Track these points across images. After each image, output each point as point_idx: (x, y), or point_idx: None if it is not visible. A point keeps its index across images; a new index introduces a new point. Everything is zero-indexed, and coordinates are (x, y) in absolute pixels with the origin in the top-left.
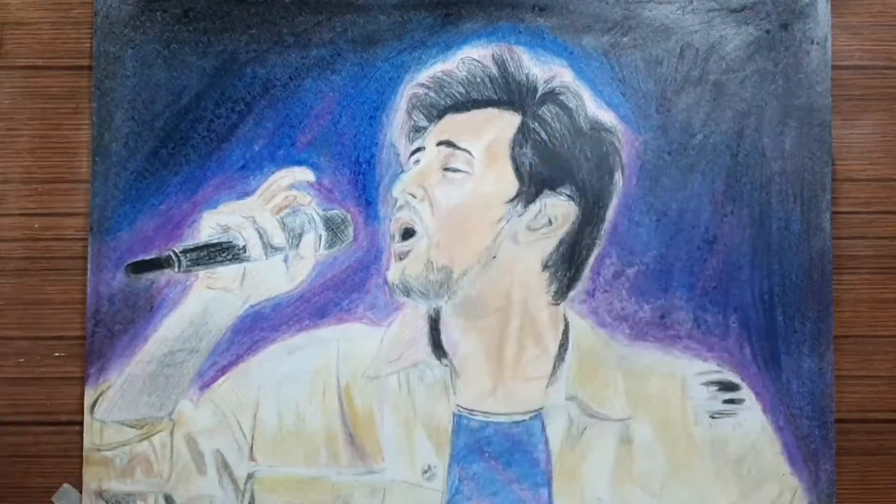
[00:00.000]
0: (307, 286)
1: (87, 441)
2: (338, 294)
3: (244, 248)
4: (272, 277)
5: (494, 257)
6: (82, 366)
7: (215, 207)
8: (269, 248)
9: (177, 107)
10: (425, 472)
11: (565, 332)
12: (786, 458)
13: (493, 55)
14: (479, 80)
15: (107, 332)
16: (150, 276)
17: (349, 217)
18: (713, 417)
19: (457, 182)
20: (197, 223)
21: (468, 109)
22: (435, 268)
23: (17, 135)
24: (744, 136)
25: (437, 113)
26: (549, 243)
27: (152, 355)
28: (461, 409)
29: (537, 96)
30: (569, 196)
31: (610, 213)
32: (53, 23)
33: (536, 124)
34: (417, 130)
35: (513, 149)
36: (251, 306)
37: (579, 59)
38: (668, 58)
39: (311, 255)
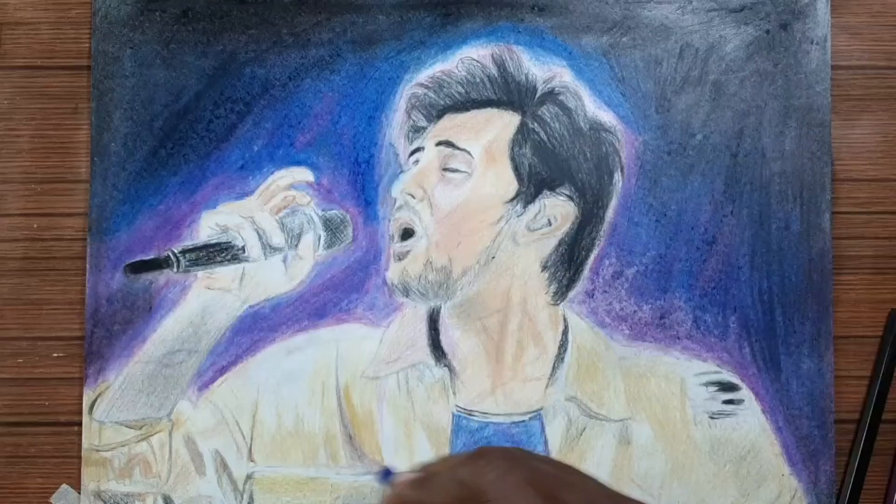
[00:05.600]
0: (306, 286)
1: (86, 441)
2: (337, 294)
3: (243, 248)
4: (271, 278)
5: (494, 258)
6: (81, 366)
7: (214, 208)
8: (269, 248)
9: (176, 107)
10: None
11: (564, 333)
12: (785, 459)
13: (492, 55)
14: (478, 80)
15: (105, 332)
16: (148, 276)
17: (348, 217)
18: (712, 418)
19: (456, 182)
20: (196, 223)
21: (467, 109)
22: (434, 268)
23: (15, 135)
24: (743, 137)
25: (436, 113)
26: (548, 244)
27: (151, 356)
28: (460, 410)
29: (536, 96)
30: (568, 196)
31: (609, 214)
32: (52, 23)
33: (536, 124)
34: (417, 130)
35: (512, 149)
36: (250, 307)
37: (578, 59)
38: (668, 58)
39: (310, 256)
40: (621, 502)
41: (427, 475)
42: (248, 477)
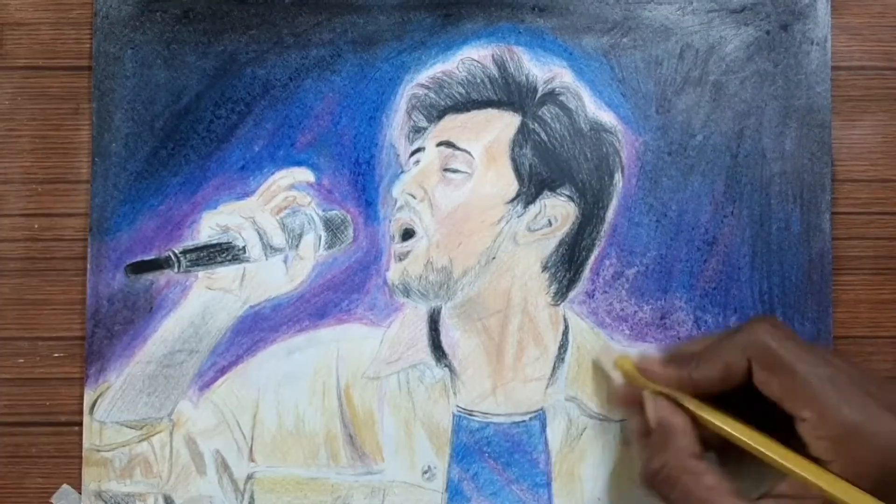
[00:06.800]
0: (307, 287)
1: (87, 442)
2: (337, 295)
3: (244, 248)
4: (272, 278)
5: (494, 258)
6: (81, 366)
7: (215, 208)
8: (269, 248)
9: (176, 107)
10: (425, 472)
11: (565, 333)
12: None
13: (492, 56)
14: (478, 80)
15: (106, 332)
16: (149, 276)
17: (349, 217)
18: None
19: (457, 183)
20: (197, 224)
21: (468, 110)
22: (435, 268)
23: (16, 135)
24: (744, 137)
25: (436, 113)
26: (548, 244)
27: (152, 356)
28: (461, 410)
29: (537, 97)
30: (569, 197)
31: (609, 214)
32: (53, 23)
33: (536, 125)
34: (417, 131)
35: (512, 149)
36: (251, 307)
37: (579, 60)
38: (668, 58)
39: (310, 256)
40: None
41: (685, 352)
42: (249, 477)
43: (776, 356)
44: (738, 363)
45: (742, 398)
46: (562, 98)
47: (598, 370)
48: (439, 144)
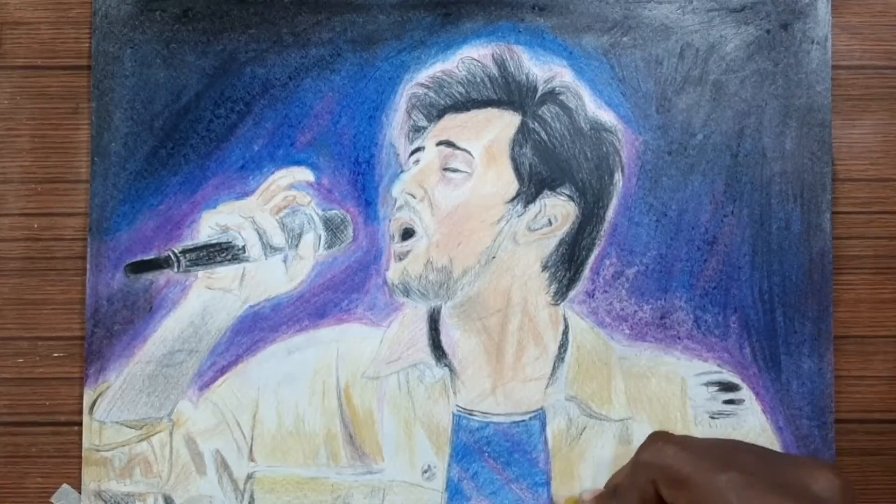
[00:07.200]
0: (306, 286)
1: (86, 441)
2: (337, 294)
3: (244, 248)
4: (271, 278)
5: (494, 257)
6: (81, 366)
7: (214, 207)
8: (269, 248)
9: (176, 107)
10: (425, 471)
11: (565, 333)
12: None
13: (492, 55)
14: (478, 79)
15: (106, 332)
16: (149, 276)
17: (349, 217)
18: (713, 418)
19: (456, 182)
20: (196, 223)
21: (468, 109)
22: (435, 268)
23: (16, 135)
24: (744, 136)
25: (436, 113)
26: (548, 243)
27: (151, 356)
28: (461, 410)
29: (537, 96)
30: (569, 196)
31: (610, 214)
32: (52, 23)
33: (536, 124)
34: (417, 130)
35: (512, 149)
36: (250, 307)
37: (579, 59)
38: (668, 57)
39: (310, 256)
40: (775, 463)
41: (611, 485)
42: (249, 477)
43: (675, 473)
44: (647, 488)
45: None
46: (562, 97)
47: (600, 370)
48: (439, 144)
